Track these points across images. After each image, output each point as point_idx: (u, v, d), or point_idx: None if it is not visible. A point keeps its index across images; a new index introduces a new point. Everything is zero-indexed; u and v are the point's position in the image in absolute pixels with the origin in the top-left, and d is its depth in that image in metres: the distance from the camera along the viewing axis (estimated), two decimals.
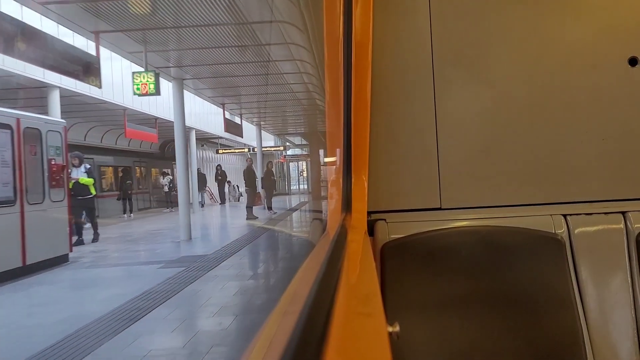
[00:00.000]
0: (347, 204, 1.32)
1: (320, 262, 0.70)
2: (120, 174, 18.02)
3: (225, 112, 17.39)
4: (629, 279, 1.47)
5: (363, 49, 1.41)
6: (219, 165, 21.56)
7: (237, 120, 19.65)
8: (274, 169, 19.14)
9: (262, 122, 22.51)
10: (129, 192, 17.49)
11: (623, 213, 1.54)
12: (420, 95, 1.57)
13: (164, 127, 17.14)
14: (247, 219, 14.09)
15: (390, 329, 0.92)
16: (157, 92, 10.11)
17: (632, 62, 1.57)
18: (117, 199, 17.32)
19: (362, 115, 1.43)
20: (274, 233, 12.56)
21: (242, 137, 20.35)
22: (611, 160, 1.58)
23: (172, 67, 10.92)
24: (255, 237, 11.25)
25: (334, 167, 1.52)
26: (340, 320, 0.52)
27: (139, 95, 10.32)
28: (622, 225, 1.52)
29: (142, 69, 9.94)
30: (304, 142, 32.51)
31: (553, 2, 1.59)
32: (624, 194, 1.57)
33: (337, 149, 1.44)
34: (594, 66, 1.57)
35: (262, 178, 17.17)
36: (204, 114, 18.10)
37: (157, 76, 10.00)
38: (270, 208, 16.35)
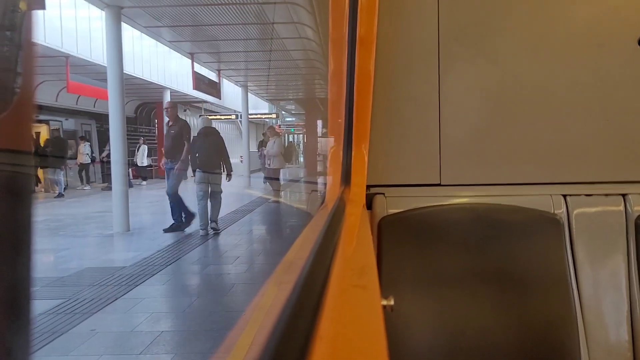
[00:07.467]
0: (346, 177, 1.46)
1: (317, 234, 0.77)
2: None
3: (198, 64, 15.93)
4: (626, 261, 1.64)
5: (369, 20, 1.54)
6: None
7: (216, 78, 17.90)
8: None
9: (249, 84, 20.92)
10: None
11: (623, 195, 1.70)
12: (425, 69, 1.71)
13: (139, 88, 16.76)
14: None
15: (384, 302, 1.03)
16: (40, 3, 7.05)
17: None
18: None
19: (365, 88, 1.56)
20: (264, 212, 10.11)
21: (220, 99, 19.00)
22: (614, 142, 1.73)
23: None
24: (229, 223, 9.14)
25: (334, 139, 1.69)
26: (335, 292, 0.57)
27: None
28: (621, 208, 1.68)
29: None
30: (302, 110, 31.27)
31: None
32: (625, 176, 1.73)
33: (339, 121, 1.60)
34: (601, 45, 1.70)
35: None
36: (184, 73, 16.82)
37: None
38: None
